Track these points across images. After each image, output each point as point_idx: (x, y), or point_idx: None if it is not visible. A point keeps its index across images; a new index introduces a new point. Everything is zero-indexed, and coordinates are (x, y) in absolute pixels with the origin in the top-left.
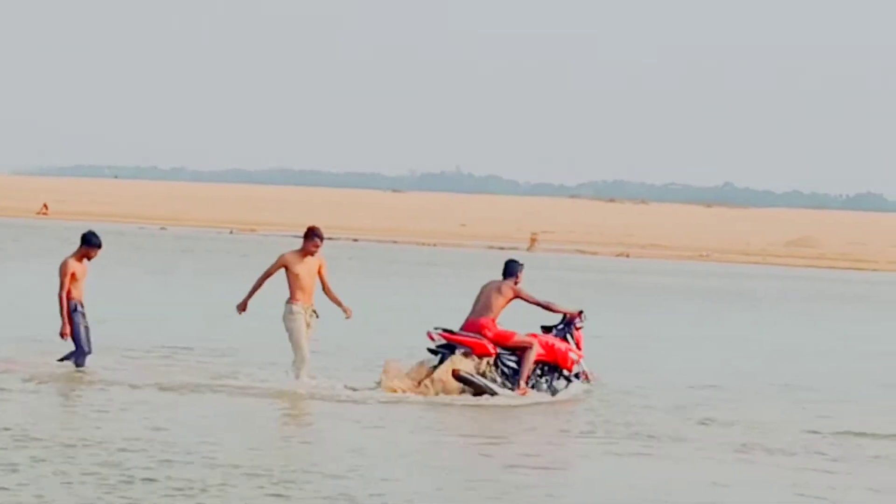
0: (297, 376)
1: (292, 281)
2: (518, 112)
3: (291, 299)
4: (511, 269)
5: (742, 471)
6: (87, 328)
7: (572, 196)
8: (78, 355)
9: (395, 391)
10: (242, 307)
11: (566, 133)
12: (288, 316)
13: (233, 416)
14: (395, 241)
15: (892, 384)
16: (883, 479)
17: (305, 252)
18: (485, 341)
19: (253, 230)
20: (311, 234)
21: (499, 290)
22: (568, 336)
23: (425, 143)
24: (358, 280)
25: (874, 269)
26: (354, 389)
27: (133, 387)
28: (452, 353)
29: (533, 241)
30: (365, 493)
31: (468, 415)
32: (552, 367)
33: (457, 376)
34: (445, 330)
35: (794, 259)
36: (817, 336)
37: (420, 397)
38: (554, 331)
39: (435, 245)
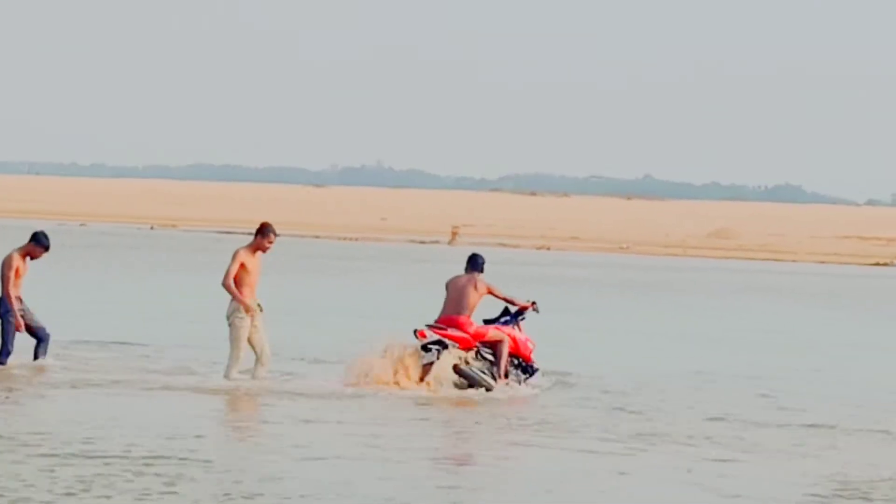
0: (228, 376)
1: (243, 277)
2: (439, 106)
3: (236, 295)
4: (477, 263)
5: (642, 460)
6: (17, 326)
7: (493, 190)
8: (3, 354)
9: (394, 385)
10: (248, 309)
11: (487, 127)
12: (236, 313)
13: (141, 410)
14: (316, 237)
15: (796, 374)
16: (778, 470)
17: (257, 248)
18: (468, 336)
19: (174, 226)
20: (268, 231)
21: (474, 287)
22: (514, 328)
23: (346, 138)
24: (284, 276)
25: (793, 260)
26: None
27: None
28: (445, 348)
29: (454, 234)
30: (254, 489)
31: (378, 406)
32: (517, 359)
33: (457, 370)
34: (436, 327)
35: (714, 251)
36: (730, 326)
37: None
38: (498, 323)
39: (356, 239)
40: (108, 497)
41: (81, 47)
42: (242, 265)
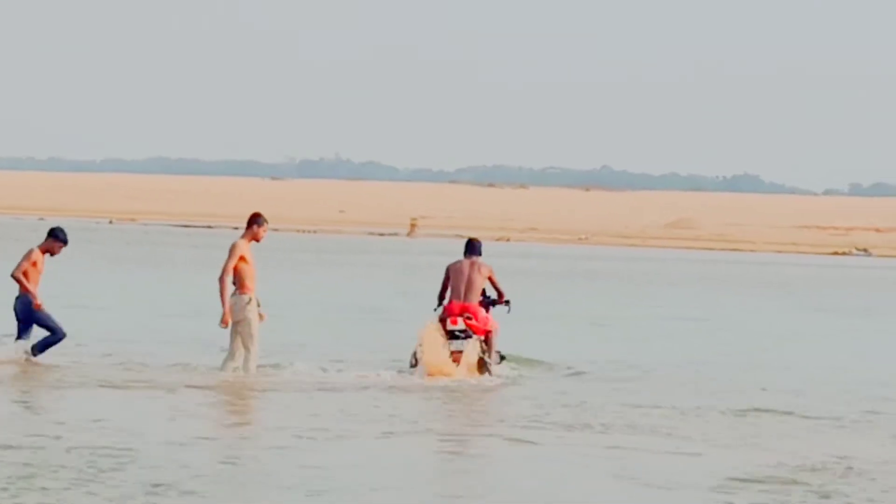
0: (250, 369)
1: (244, 270)
2: (396, 98)
3: (243, 289)
4: (476, 248)
5: (570, 448)
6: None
7: (452, 181)
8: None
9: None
10: (225, 322)
11: (445, 118)
12: (246, 307)
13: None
14: (275, 229)
15: (735, 362)
16: (704, 457)
17: (252, 238)
18: (483, 326)
19: (132, 220)
20: (262, 220)
21: (478, 272)
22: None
23: (304, 131)
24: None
25: (752, 250)
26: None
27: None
28: (469, 337)
29: (413, 226)
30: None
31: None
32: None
33: (480, 363)
34: (464, 316)
35: (672, 241)
36: (675, 315)
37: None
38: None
39: (315, 232)
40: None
41: (36, 41)
42: (242, 257)
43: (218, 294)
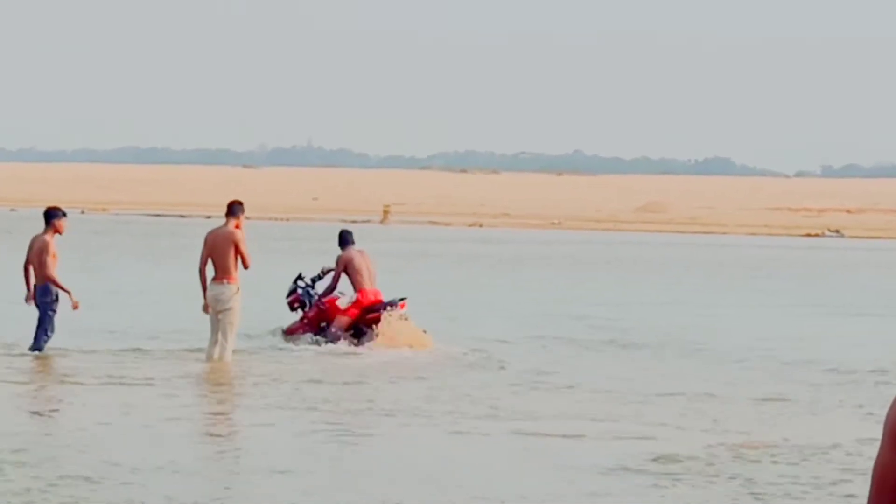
0: (227, 358)
1: (231, 259)
2: (367, 84)
3: (232, 279)
4: (350, 238)
5: (479, 433)
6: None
7: (423, 168)
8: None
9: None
10: (207, 308)
11: (416, 105)
12: (234, 296)
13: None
14: (247, 217)
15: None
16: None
17: (237, 227)
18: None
19: (104, 209)
20: (241, 208)
21: (371, 261)
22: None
23: (275, 118)
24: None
25: (723, 233)
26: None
27: None
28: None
29: (386, 213)
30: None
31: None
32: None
33: None
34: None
35: (644, 225)
36: (637, 300)
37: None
38: (302, 287)
39: (288, 220)
40: None
41: (4, 32)
42: (237, 246)
43: (226, 282)
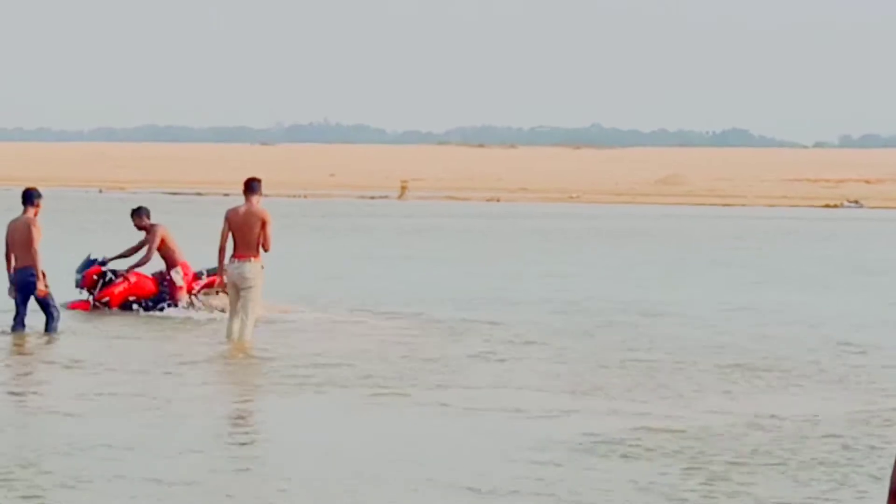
0: (250, 336)
1: (261, 237)
2: (384, 59)
3: (256, 256)
4: (142, 212)
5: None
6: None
7: (441, 143)
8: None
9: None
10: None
11: (432, 80)
12: (260, 273)
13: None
14: (265, 195)
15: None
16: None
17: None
18: None
19: (122, 188)
20: (260, 185)
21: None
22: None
23: (292, 95)
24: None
25: (742, 205)
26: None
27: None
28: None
29: (403, 189)
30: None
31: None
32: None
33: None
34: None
35: (663, 197)
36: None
37: None
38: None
39: (306, 196)
40: None
41: (21, 13)
42: (265, 224)
43: (250, 260)
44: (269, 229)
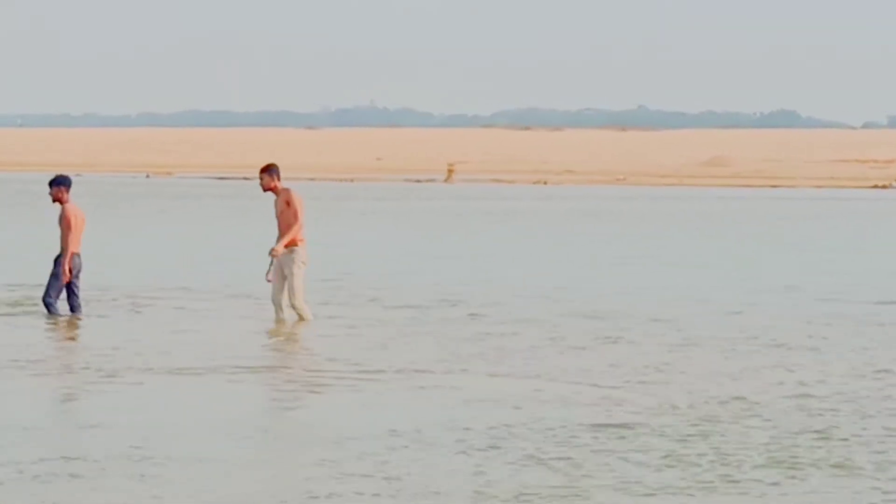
0: (306, 315)
1: (300, 221)
2: (429, 43)
3: (295, 241)
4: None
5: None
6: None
7: (486, 126)
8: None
9: None
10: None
11: (478, 63)
12: (306, 256)
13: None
14: (311, 179)
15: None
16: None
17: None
18: None
19: (169, 173)
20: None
21: None
22: None
23: (338, 79)
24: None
25: (790, 186)
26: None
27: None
28: None
29: (450, 172)
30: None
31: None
32: None
33: None
34: None
35: (709, 179)
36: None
37: None
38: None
39: (352, 180)
40: None
41: (68, 1)
42: (301, 208)
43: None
44: (299, 209)
